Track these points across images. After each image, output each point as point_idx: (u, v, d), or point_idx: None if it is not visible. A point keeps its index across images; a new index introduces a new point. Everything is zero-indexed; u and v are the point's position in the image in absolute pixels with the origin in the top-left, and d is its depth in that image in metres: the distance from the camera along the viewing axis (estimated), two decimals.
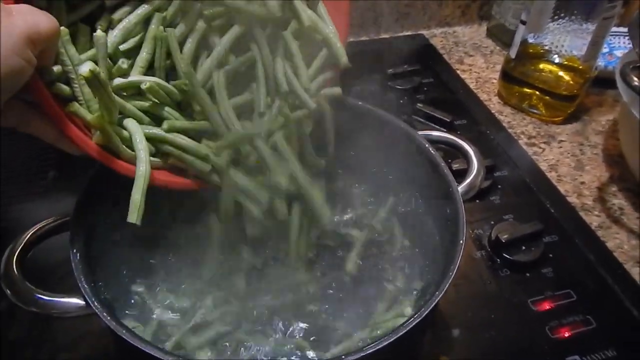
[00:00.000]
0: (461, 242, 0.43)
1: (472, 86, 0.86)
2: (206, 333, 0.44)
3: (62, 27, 0.37)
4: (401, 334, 0.36)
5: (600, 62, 0.83)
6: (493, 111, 0.81)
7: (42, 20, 0.34)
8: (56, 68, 0.38)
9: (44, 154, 0.68)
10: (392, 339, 0.36)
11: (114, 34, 0.41)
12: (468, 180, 0.51)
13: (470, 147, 0.53)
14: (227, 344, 0.44)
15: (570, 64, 0.76)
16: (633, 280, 0.57)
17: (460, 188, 0.48)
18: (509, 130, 0.77)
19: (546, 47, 0.76)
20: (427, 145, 0.51)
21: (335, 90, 0.48)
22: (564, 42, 0.74)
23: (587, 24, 0.71)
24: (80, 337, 0.49)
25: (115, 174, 0.41)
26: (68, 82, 0.39)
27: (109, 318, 0.37)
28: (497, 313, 0.54)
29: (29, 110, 0.38)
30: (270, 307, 0.47)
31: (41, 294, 0.40)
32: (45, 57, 0.36)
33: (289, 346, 0.44)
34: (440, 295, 0.39)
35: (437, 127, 0.75)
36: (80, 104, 0.39)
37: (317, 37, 0.46)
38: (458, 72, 0.89)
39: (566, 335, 0.52)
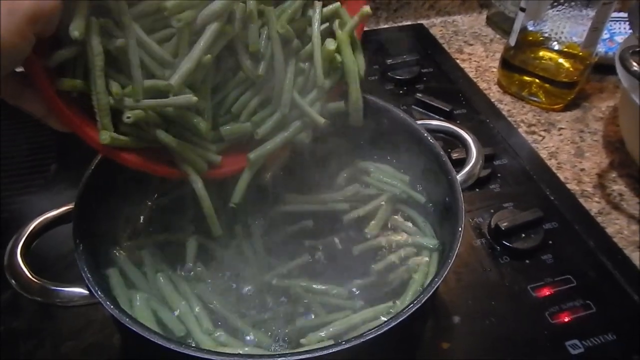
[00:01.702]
0: (460, 229, 0.43)
1: (471, 75, 0.86)
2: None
3: (92, 17, 0.37)
4: (400, 320, 0.37)
5: (601, 49, 0.82)
6: (493, 100, 0.81)
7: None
8: (57, 54, 0.38)
9: (45, 147, 0.68)
10: (391, 325, 0.36)
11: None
12: (467, 169, 0.51)
13: (468, 135, 0.54)
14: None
15: (570, 50, 0.76)
16: (633, 265, 0.57)
17: (459, 176, 0.49)
18: (509, 119, 0.77)
19: (546, 34, 0.76)
20: (425, 134, 0.52)
21: (339, 106, 0.49)
22: (564, 28, 0.74)
23: (587, 9, 0.70)
24: (84, 326, 0.50)
25: (117, 165, 0.41)
26: (75, 66, 0.39)
27: (112, 307, 0.37)
28: (497, 300, 0.54)
29: (21, 84, 0.38)
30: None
31: (45, 283, 0.40)
32: (42, 35, 0.35)
33: None
34: (439, 282, 0.39)
35: (436, 116, 0.75)
36: (90, 93, 0.39)
37: (337, 58, 0.47)
38: (457, 61, 0.89)
39: (566, 320, 0.52)
